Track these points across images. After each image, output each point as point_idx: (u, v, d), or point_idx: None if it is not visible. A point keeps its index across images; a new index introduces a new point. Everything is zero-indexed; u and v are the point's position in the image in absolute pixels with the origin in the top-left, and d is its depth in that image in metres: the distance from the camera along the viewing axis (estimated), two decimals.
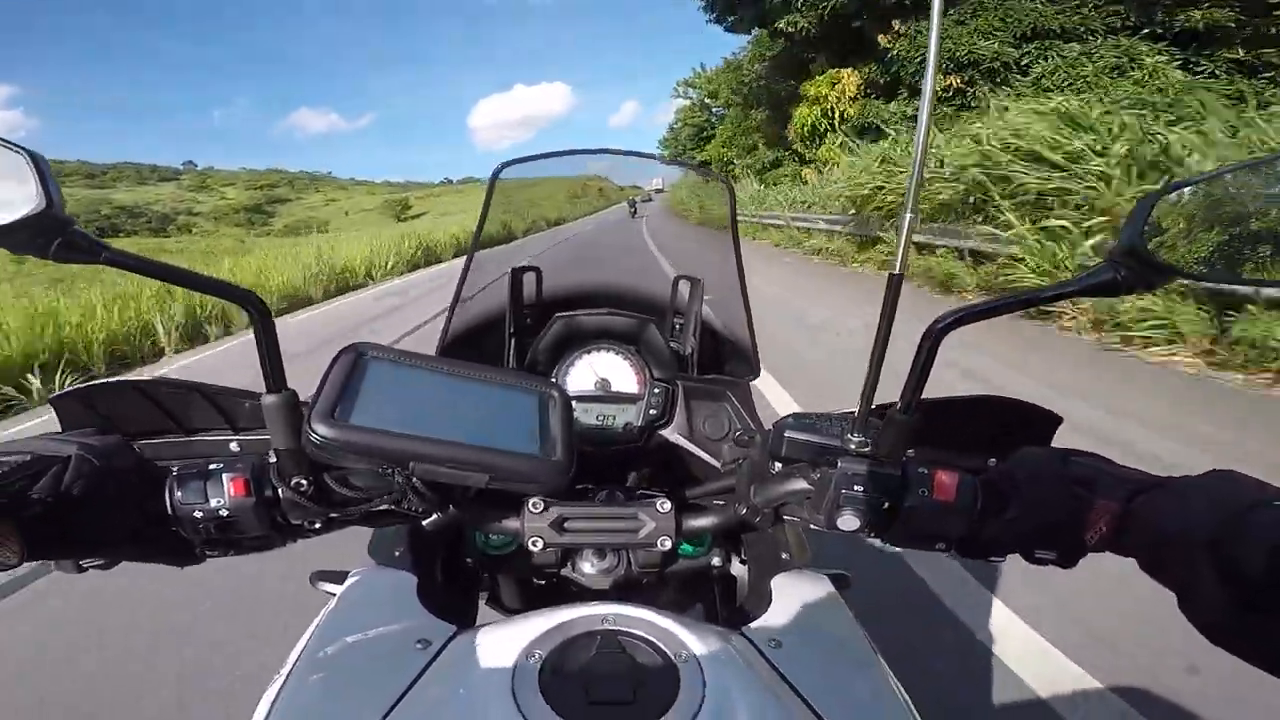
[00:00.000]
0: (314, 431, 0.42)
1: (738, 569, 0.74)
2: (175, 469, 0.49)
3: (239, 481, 0.48)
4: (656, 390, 0.76)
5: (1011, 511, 0.50)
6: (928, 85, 0.45)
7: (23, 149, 0.36)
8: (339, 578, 0.71)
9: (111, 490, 0.45)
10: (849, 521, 0.51)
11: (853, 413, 0.53)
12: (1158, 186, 0.43)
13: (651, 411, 0.75)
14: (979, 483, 0.51)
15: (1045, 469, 0.49)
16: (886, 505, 0.50)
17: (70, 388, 0.54)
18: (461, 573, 0.71)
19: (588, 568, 0.62)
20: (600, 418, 0.75)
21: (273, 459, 0.48)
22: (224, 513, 0.47)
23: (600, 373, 0.76)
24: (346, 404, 0.44)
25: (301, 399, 0.47)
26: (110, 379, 0.55)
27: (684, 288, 0.82)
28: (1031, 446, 0.54)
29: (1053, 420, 0.60)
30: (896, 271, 0.44)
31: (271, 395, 0.45)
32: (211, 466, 0.48)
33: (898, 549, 0.55)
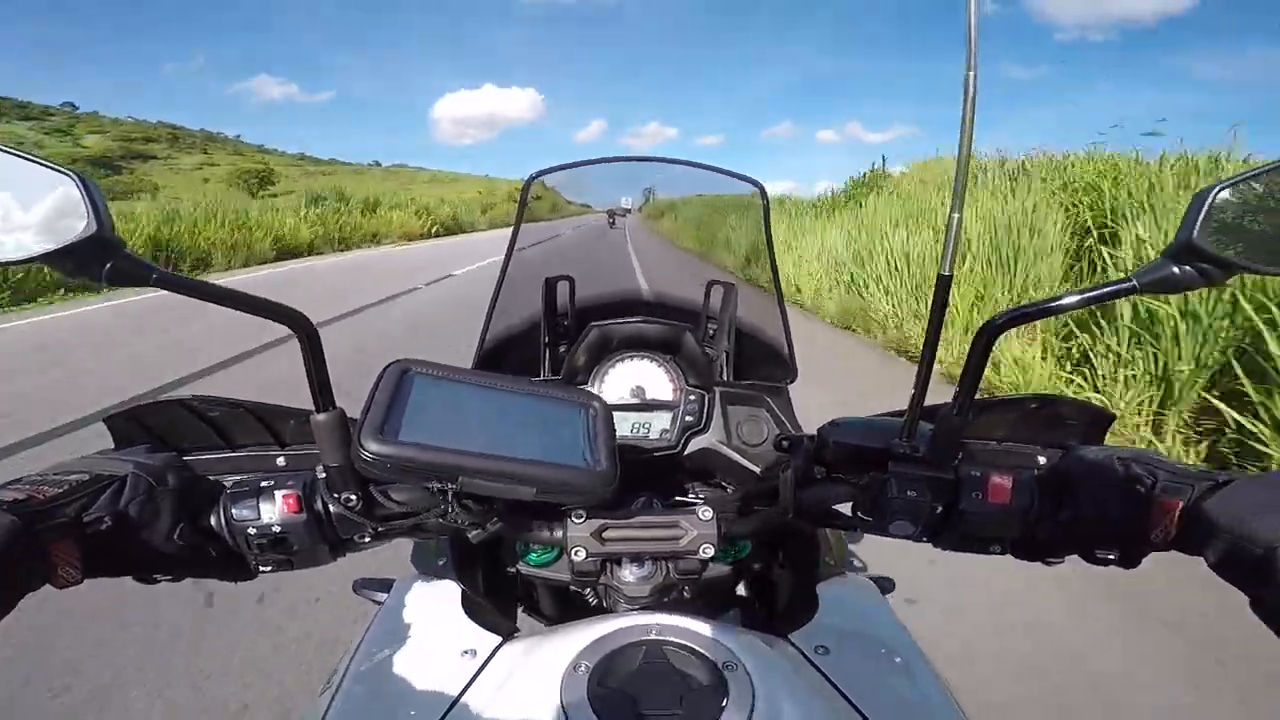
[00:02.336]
0: (364, 449, 0.43)
1: (776, 574, 0.73)
2: (228, 486, 0.50)
3: (291, 498, 0.48)
4: (692, 397, 0.75)
5: (1069, 512, 0.48)
6: (971, 75, 0.41)
7: (72, 172, 0.36)
8: (382, 586, 0.72)
9: (167, 507, 0.46)
10: (903, 527, 0.50)
11: (898, 416, 0.52)
12: None
13: (687, 418, 0.75)
14: (1034, 485, 0.50)
15: (1104, 468, 0.48)
16: (940, 509, 0.49)
17: (120, 407, 0.55)
18: (501, 581, 0.71)
19: (627, 576, 0.61)
20: (636, 426, 0.75)
21: (322, 475, 0.49)
22: (277, 529, 0.48)
23: (635, 381, 0.76)
24: (394, 420, 0.44)
25: (349, 416, 0.47)
26: (160, 398, 0.56)
27: (717, 293, 0.81)
28: (1084, 445, 0.52)
29: (1105, 418, 0.58)
30: (946, 272, 0.43)
31: (321, 414, 0.46)
32: (263, 484, 0.49)
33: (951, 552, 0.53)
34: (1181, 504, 0.43)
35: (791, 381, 0.78)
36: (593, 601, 0.73)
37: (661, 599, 0.62)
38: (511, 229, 0.77)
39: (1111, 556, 0.48)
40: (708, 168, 0.79)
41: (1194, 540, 0.43)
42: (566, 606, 0.76)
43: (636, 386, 0.75)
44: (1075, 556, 0.50)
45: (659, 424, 0.75)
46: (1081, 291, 0.42)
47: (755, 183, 0.78)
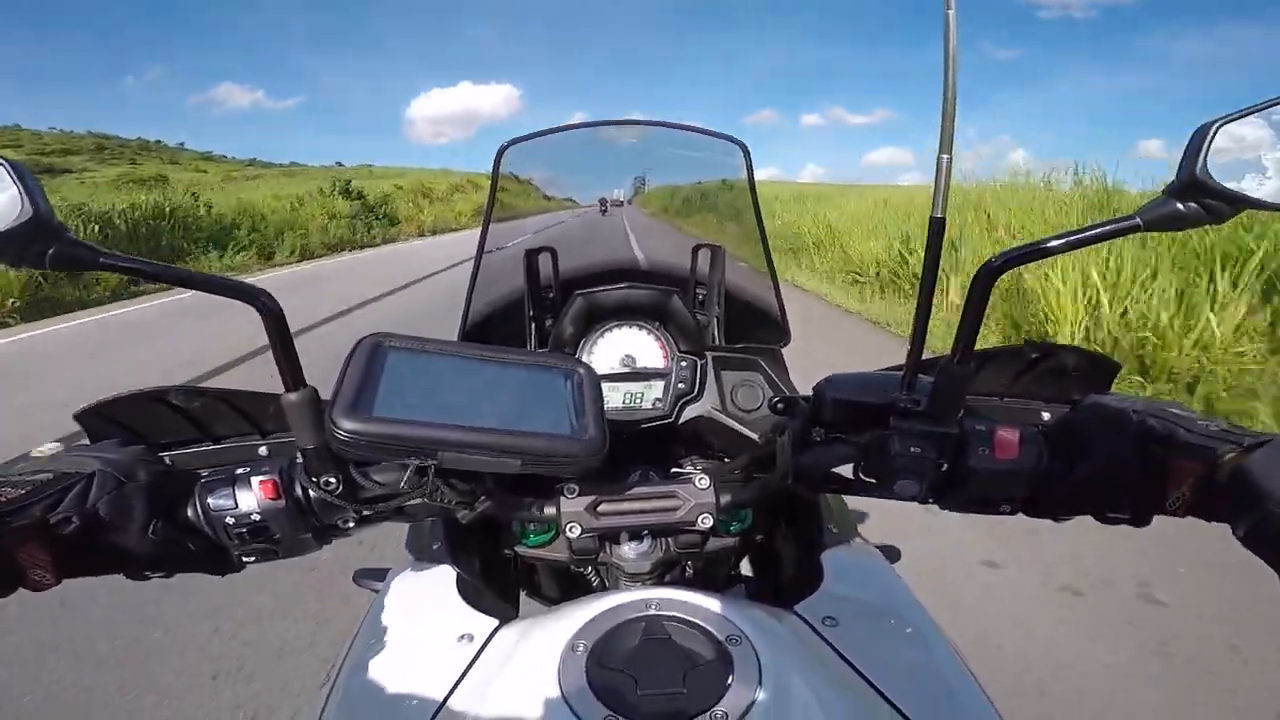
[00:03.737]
0: (337, 427, 0.41)
1: (780, 545, 0.72)
2: (203, 476, 0.49)
3: (268, 484, 0.47)
4: (684, 364, 0.73)
5: (1081, 470, 0.47)
6: (950, 13, 0.39)
7: (0, 158, 0.36)
8: (380, 575, 0.71)
9: (139, 503, 0.44)
10: (907, 487, 0.48)
11: (898, 369, 0.50)
12: None
13: (680, 386, 0.73)
14: (1042, 439, 0.48)
15: (1118, 422, 0.45)
16: (945, 467, 0.48)
17: (94, 402, 0.53)
18: (501, 564, 0.70)
19: (627, 552, 0.60)
20: (628, 396, 0.73)
21: (299, 459, 0.47)
22: (256, 516, 0.47)
23: (625, 350, 0.74)
24: (368, 396, 0.43)
25: (323, 395, 0.45)
26: (132, 390, 0.54)
27: (704, 256, 0.79)
28: (1094, 396, 0.50)
29: (1110, 367, 0.56)
30: (938, 214, 0.41)
31: (291, 394, 0.44)
32: (239, 471, 0.48)
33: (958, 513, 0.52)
34: (1203, 467, 0.41)
35: (785, 344, 0.76)
36: (595, 581, 0.72)
37: (664, 575, 0.61)
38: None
39: (1124, 517, 0.46)
40: (688, 128, 0.77)
41: (1218, 507, 0.41)
42: (569, 587, 0.75)
43: (627, 355, 0.74)
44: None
45: (652, 393, 0.73)
46: (1083, 230, 0.40)
47: (738, 142, 0.76)
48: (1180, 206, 0.39)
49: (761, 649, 0.42)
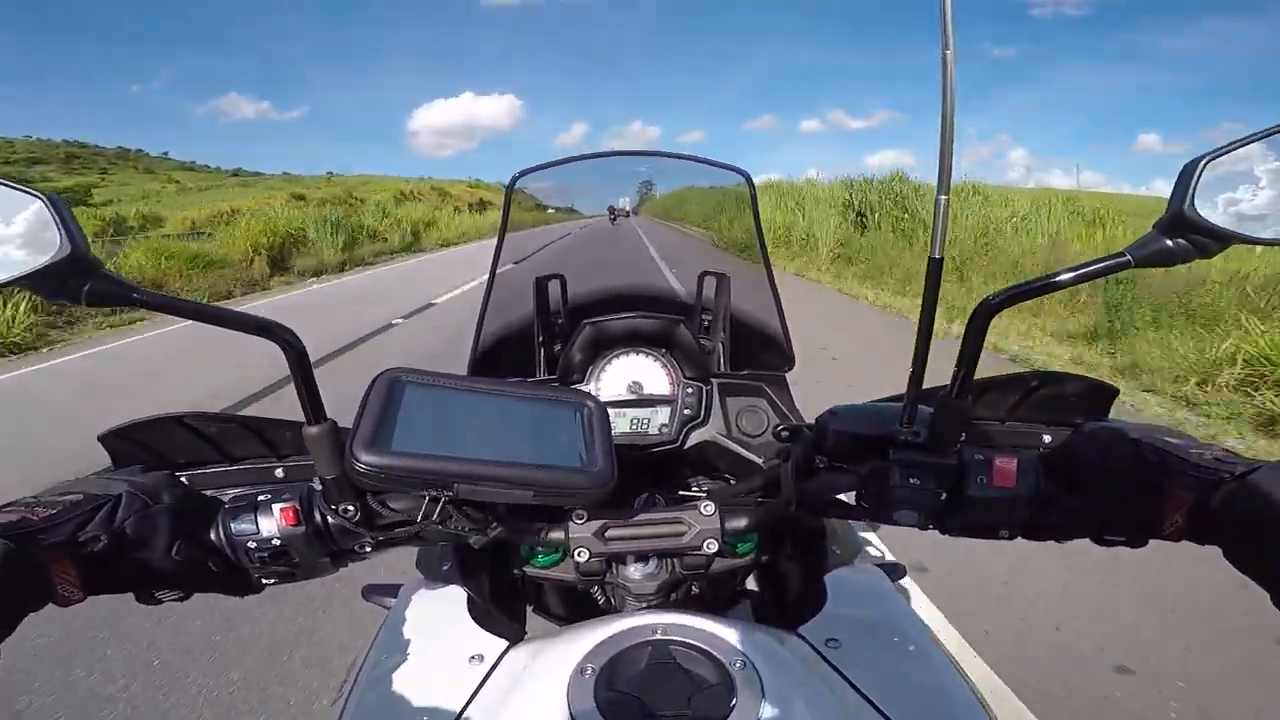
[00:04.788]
0: (357, 460, 0.42)
1: (785, 566, 0.72)
2: (226, 501, 0.50)
3: (289, 511, 0.48)
4: (689, 390, 0.75)
5: (1077, 498, 0.47)
6: (948, 53, 0.38)
7: (41, 194, 0.36)
8: (390, 591, 0.72)
9: (163, 524, 0.45)
10: (907, 516, 0.49)
11: (899, 400, 0.51)
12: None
13: (686, 412, 0.74)
14: (1040, 466, 0.49)
15: (1114, 450, 0.46)
16: (944, 496, 0.49)
17: (116, 425, 0.55)
18: (509, 584, 0.71)
19: (633, 574, 0.61)
20: (635, 422, 0.75)
21: (318, 487, 0.49)
22: (276, 541, 0.48)
23: (631, 376, 0.75)
24: (386, 430, 0.44)
25: (341, 426, 0.47)
26: (154, 415, 0.55)
27: (710, 284, 0.81)
28: (1091, 423, 0.51)
29: (1109, 392, 0.57)
30: (936, 255, 0.42)
31: (313, 427, 0.45)
32: (260, 497, 0.49)
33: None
34: (1195, 496, 0.41)
35: (789, 369, 0.78)
36: (601, 600, 0.72)
37: (669, 596, 0.62)
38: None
39: (1120, 540, 0.47)
40: (694, 159, 0.79)
41: (1210, 532, 0.41)
42: (576, 606, 0.76)
43: (634, 382, 0.75)
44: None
45: (658, 419, 0.75)
46: (1077, 268, 0.41)
47: (742, 172, 0.78)
48: (1169, 243, 0.40)
49: (765, 672, 0.43)
